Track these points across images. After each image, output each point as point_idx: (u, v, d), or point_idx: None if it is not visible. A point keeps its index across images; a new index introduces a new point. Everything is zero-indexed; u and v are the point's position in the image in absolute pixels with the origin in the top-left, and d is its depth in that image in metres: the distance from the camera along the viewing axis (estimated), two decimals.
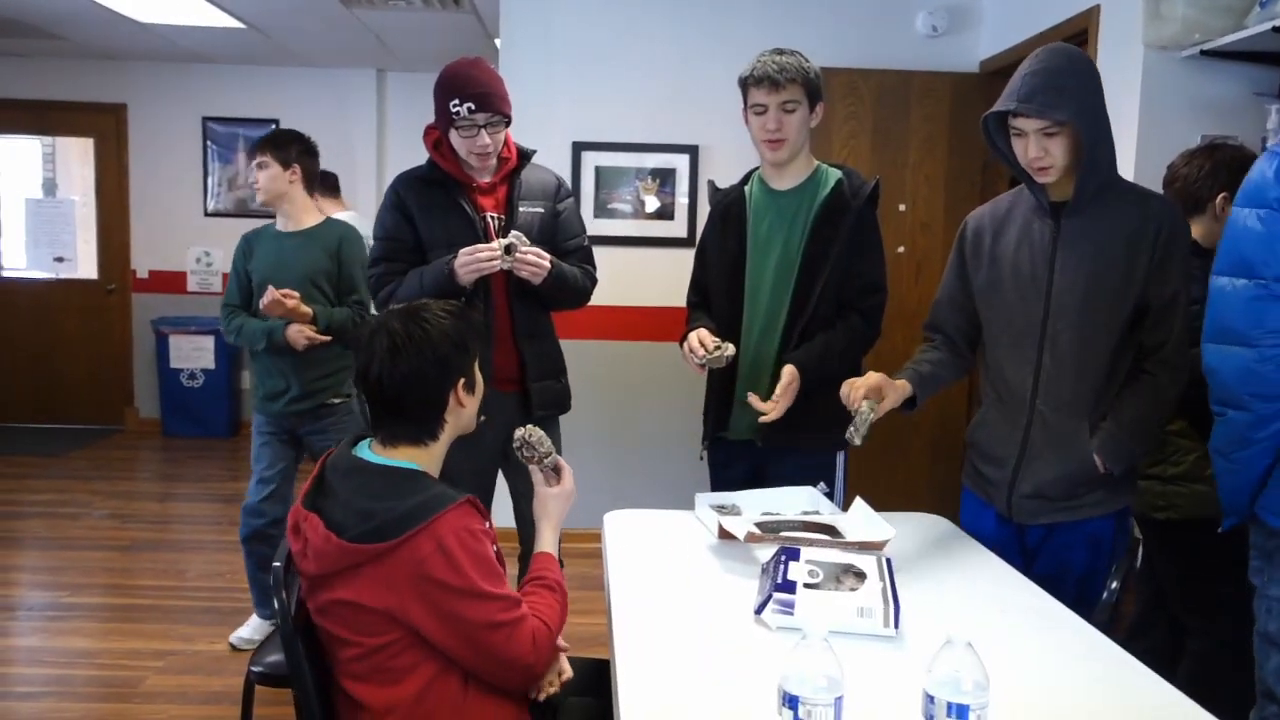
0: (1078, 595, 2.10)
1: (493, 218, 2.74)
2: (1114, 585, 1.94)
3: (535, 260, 2.61)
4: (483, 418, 1.89)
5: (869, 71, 4.48)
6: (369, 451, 1.74)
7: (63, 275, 7.28)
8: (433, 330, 1.72)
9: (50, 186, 7.46)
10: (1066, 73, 2.10)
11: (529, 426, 1.97)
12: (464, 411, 1.79)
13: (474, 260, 2.56)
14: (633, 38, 4.59)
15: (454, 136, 2.66)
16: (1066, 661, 1.68)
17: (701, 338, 2.55)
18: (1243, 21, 2.90)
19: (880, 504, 2.26)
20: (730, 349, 2.54)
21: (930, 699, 1.19)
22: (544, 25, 4.56)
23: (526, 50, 4.55)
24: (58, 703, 3.18)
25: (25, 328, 7.28)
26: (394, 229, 2.76)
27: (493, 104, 2.64)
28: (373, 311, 3.33)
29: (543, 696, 1.76)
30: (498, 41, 4.68)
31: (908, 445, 4.65)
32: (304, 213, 3.51)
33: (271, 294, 3.24)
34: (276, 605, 1.65)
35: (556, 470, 1.98)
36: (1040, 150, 2.12)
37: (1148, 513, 2.57)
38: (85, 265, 7.29)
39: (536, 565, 1.88)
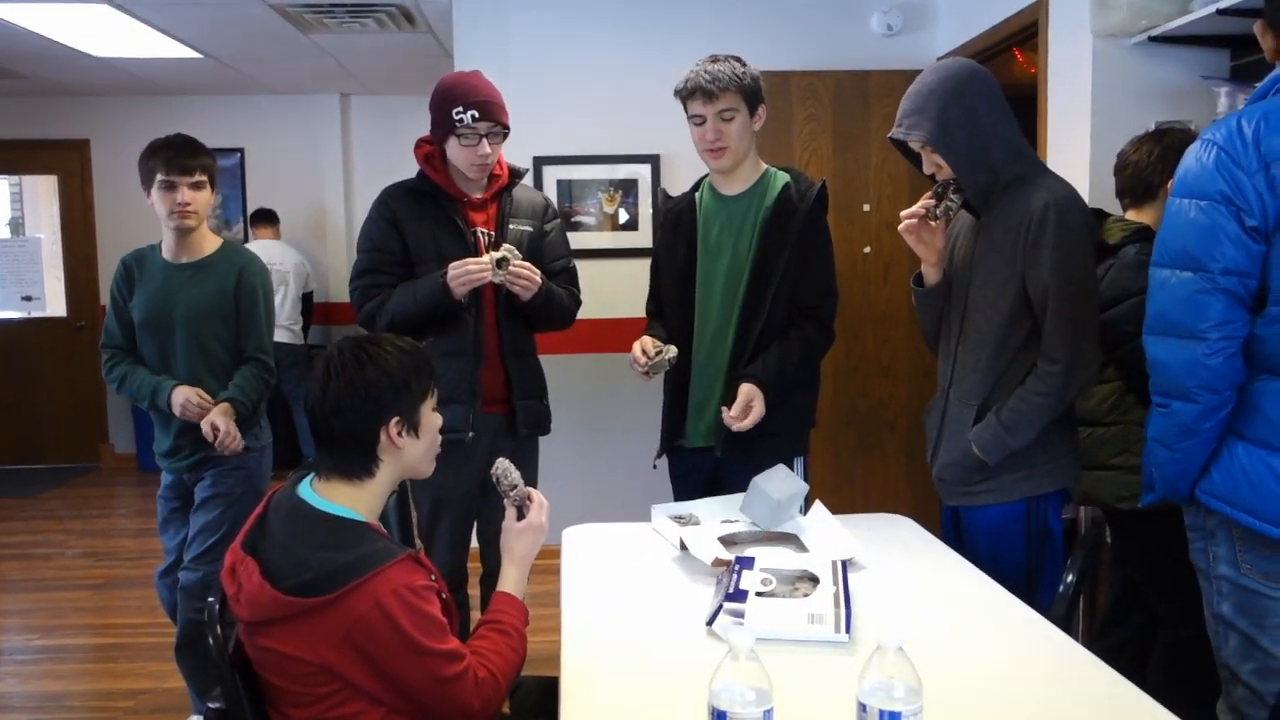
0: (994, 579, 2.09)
1: (483, 233, 2.74)
2: (1070, 579, 1.91)
3: (528, 275, 2.60)
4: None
5: (826, 73, 4.47)
6: (310, 491, 1.67)
7: (32, 314, 7.22)
8: (371, 364, 1.64)
9: (17, 225, 7.41)
10: (926, 94, 2.22)
11: (500, 459, 1.93)
12: (403, 453, 1.69)
13: (465, 273, 2.56)
14: (588, 51, 4.58)
15: (453, 146, 2.66)
16: (1022, 659, 1.65)
17: (643, 345, 2.54)
18: (1188, 6, 2.89)
19: (855, 504, 2.25)
20: (672, 351, 2.52)
21: (863, 707, 1.15)
22: (499, 41, 4.54)
23: (482, 67, 4.51)
24: None
25: None
26: (382, 240, 2.71)
27: (494, 113, 2.66)
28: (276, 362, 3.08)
29: None
30: (454, 59, 4.65)
31: (884, 444, 4.63)
32: (205, 239, 2.94)
33: (188, 401, 2.80)
34: (211, 641, 1.60)
35: (525, 504, 1.91)
36: (932, 165, 2.29)
37: (1112, 504, 2.54)
38: (54, 303, 7.23)
39: (494, 607, 1.81)
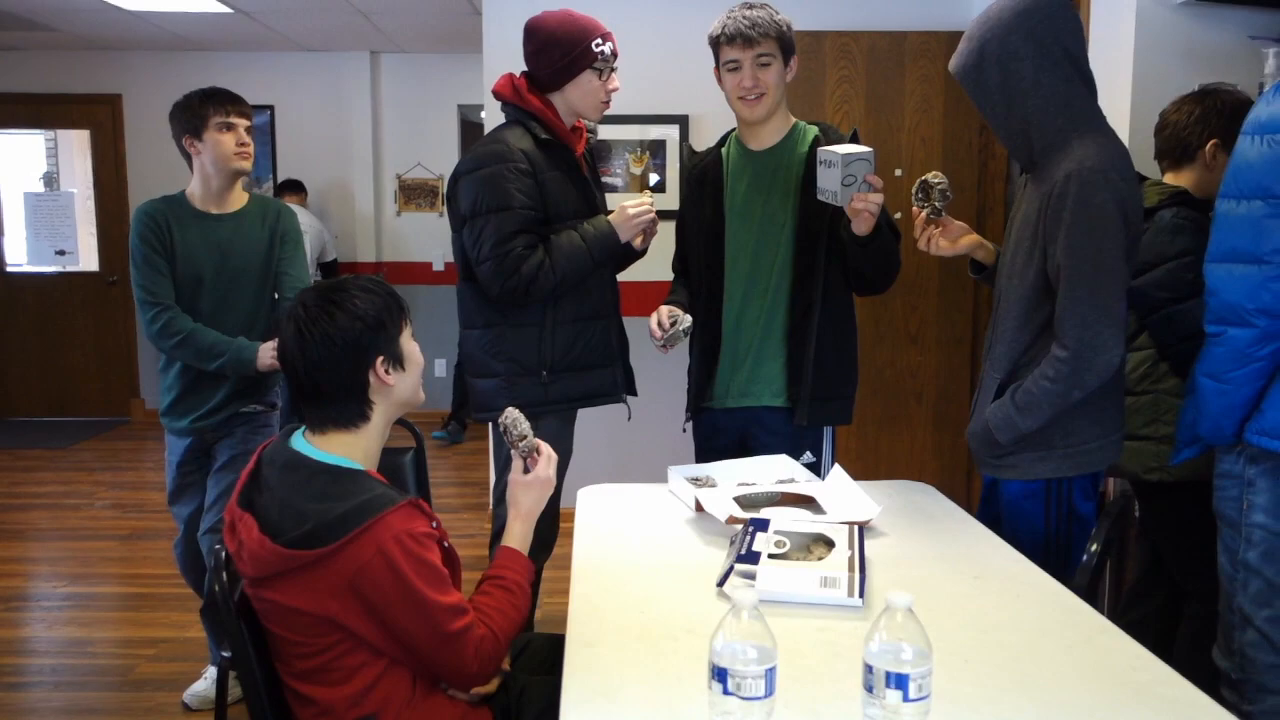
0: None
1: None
2: (1094, 549, 1.86)
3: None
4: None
5: (861, 33, 4.37)
6: (304, 442, 1.65)
7: (65, 268, 7.28)
8: (341, 312, 1.60)
9: (50, 180, 7.45)
10: (981, 21, 2.07)
11: (510, 409, 1.89)
12: (394, 390, 1.66)
13: (637, 217, 2.59)
14: (617, 8, 4.49)
15: (582, 84, 2.57)
16: (1042, 628, 1.60)
17: (659, 317, 2.50)
18: None
19: (880, 474, 2.21)
20: (686, 321, 2.49)
21: (869, 669, 1.12)
22: None
23: (510, 24, 4.46)
24: (48, 692, 3.16)
25: (30, 322, 7.29)
26: (531, 197, 2.53)
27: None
28: None
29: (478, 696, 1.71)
30: (483, 16, 4.60)
31: (911, 415, 4.56)
32: (239, 191, 2.91)
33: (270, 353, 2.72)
34: (216, 589, 1.60)
35: (534, 456, 1.88)
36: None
37: (1140, 474, 2.48)
38: (87, 257, 7.29)
39: (497, 562, 1.78)
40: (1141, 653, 1.50)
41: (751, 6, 2.47)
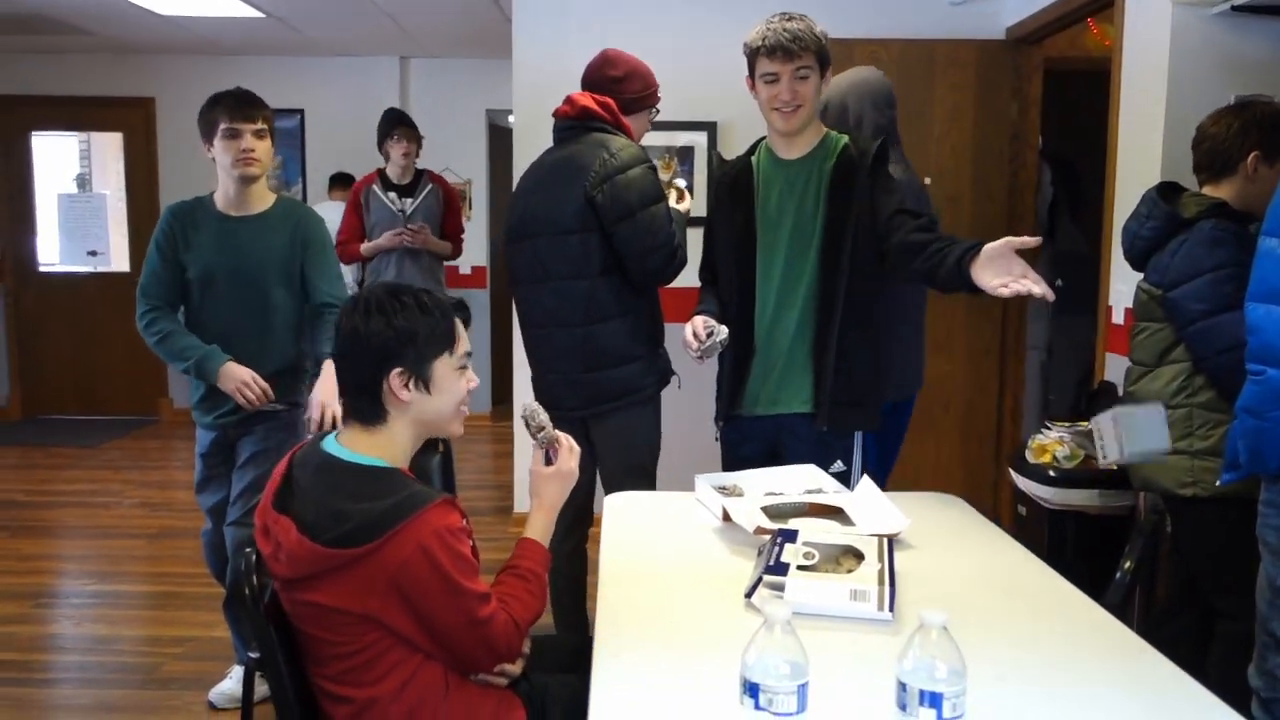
0: None
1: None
2: (1128, 565, 1.84)
3: None
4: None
5: (891, 42, 4.35)
6: (336, 445, 1.68)
7: (97, 269, 7.36)
8: (379, 315, 1.64)
9: (84, 181, 7.54)
10: None
11: (530, 400, 1.95)
12: (410, 407, 1.66)
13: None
14: (646, 15, 4.51)
15: (642, 118, 2.93)
16: (1073, 645, 1.59)
17: (694, 328, 2.50)
18: None
19: (906, 484, 2.19)
20: (723, 333, 2.49)
21: (903, 687, 1.11)
22: (559, 5, 4.49)
23: (540, 30, 4.48)
24: (75, 689, 3.19)
25: (62, 321, 7.38)
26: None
27: None
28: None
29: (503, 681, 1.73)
30: (513, 22, 4.61)
31: (938, 423, 4.53)
32: (264, 193, 2.92)
33: (245, 385, 2.78)
34: (246, 593, 1.61)
35: (554, 447, 1.91)
36: None
37: (1173, 490, 2.45)
38: (118, 258, 7.37)
39: (518, 552, 1.82)
40: (1174, 671, 1.48)
41: (791, 18, 2.47)
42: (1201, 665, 2.48)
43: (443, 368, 1.69)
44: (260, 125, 2.80)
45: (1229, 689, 2.01)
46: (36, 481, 5.72)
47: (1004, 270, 2.07)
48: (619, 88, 2.84)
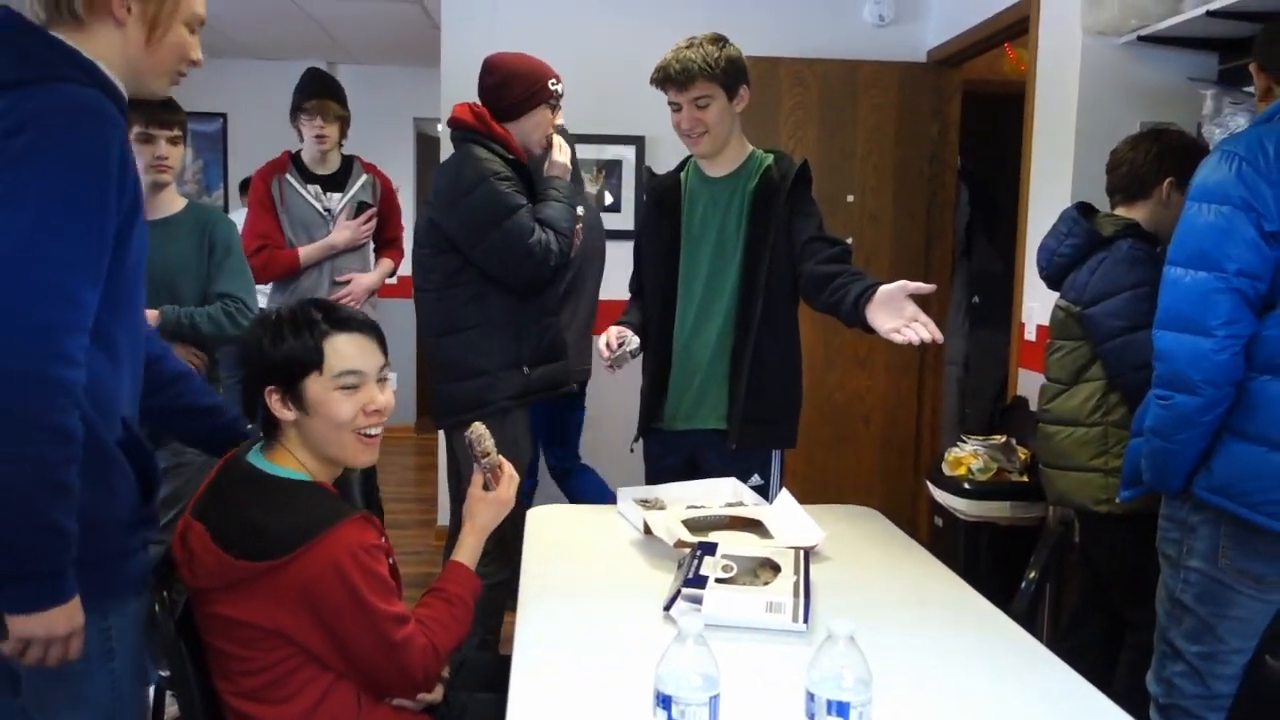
0: None
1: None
2: (1033, 575, 1.90)
3: None
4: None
5: (815, 61, 4.43)
6: (259, 456, 1.65)
7: None
8: (259, 326, 1.66)
9: None
10: None
11: (477, 424, 1.92)
12: (298, 424, 1.62)
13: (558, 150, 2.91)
14: (576, 27, 4.53)
15: (536, 117, 2.76)
16: (980, 655, 1.63)
17: (608, 338, 2.54)
18: (1178, 6, 2.88)
19: (828, 497, 2.23)
20: (634, 343, 2.54)
21: (811, 696, 1.13)
22: (487, 15, 4.49)
23: (469, 40, 4.47)
24: None
25: None
26: (522, 194, 2.73)
27: None
28: (259, 305, 2.94)
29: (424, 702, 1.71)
30: (441, 30, 4.60)
31: (858, 437, 4.61)
32: (174, 197, 2.81)
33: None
34: (156, 607, 1.57)
35: (496, 473, 1.90)
36: None
37: (1088, 505, 2.53)
38: None
39: (445, 575, 1.80)
40: (1078, 680, 1.53)
41: (691, 45, 2.46)
42: (1109, 673, 2.56)
43: (320, 388, 1.61)
44: (175, 132, 2.74)
45: (1136, 695, 2.10)
46: None
47: (897, 313, 2.13)
48: (497, 95, 2.76)
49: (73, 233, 1.34)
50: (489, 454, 1.88)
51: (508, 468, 1.92)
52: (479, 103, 2.78)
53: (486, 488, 1.89)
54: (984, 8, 3.91)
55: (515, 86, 2.74)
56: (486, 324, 2.75)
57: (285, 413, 1.62)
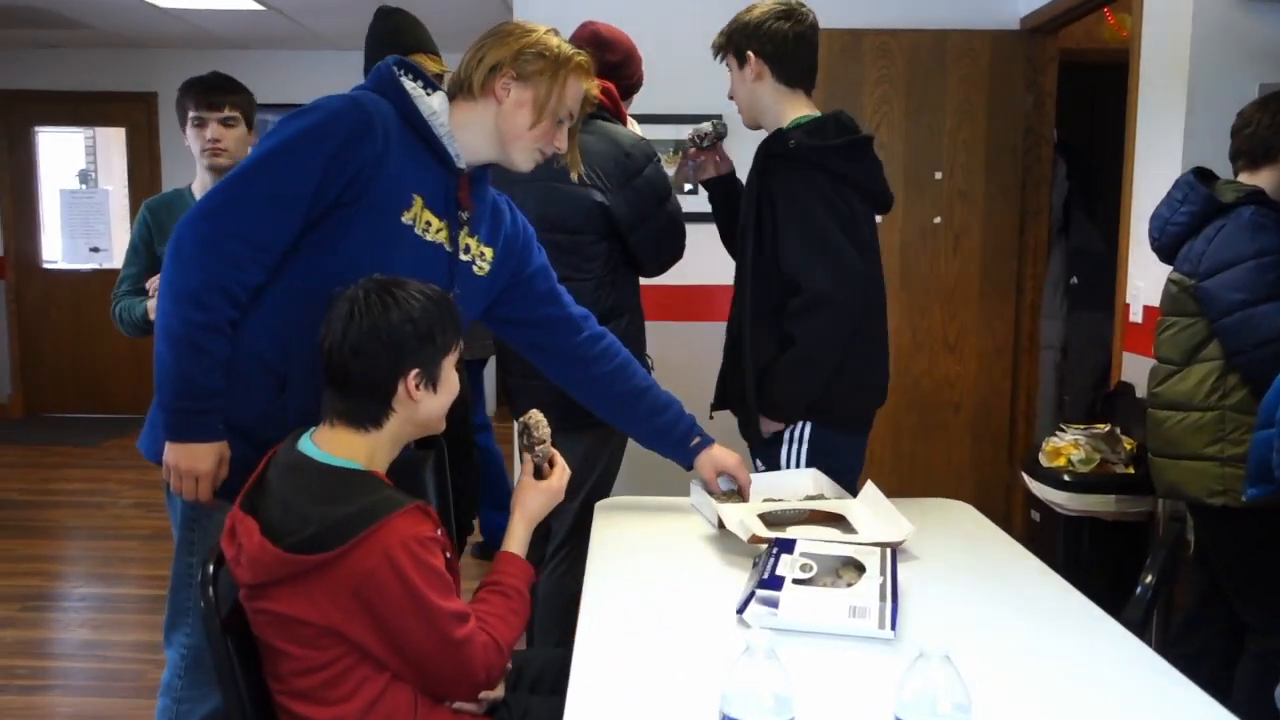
0: None
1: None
2: (1148, 580, 1.72)
3: None
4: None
5: (901, 31, 4.22)
6: (310, 444, 1.57)
7: (102, 265, 7.29)
8: (397, 308, 1.54)
9: (86, 177, 7.48)
10: None
11: (534, 410, 1.84)
12: (419, 407, 1.58)
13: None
14: (651, 3, 4.39)
15: (630, 103, 2.73)
16: (1088, 667, 1.47)
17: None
18: None
19: (915, 488, 2.08)
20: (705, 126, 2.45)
21: None
22: None
23: (542, 20, 4.38)
24: (59, 696, 3.11)
25: (65, 318, 7.31)
26: None
27: None
28: None
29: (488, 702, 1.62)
30: (513, 14, 4.51)
31: (948, 425, 4.40)
32: None
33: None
34: (203, 604, 1.50)
35: (548, 463, 1.83)
36: None
37: (1202, 498, 2.33)
38: (121, 255, 7.26)
39: (497, 567, 1.71)
40: (1198, 695, 1.37)
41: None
42: (1227, 683, 2.36)
43: (448, 365, 1.62)
44: (228, 113, 2.70)
45: (1257, 709, 1.89)
46: (34, 480, 5.65)
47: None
48: (619, 73, 2.65)
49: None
50: (544, 441, 1.81)
51: (559, 460, 1.84)
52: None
53: (539, 476, 1.81)
54: None
55: (632, 66, 2.72)
56: (637, 310, 2.70)
57: (416, 394, 1.56)
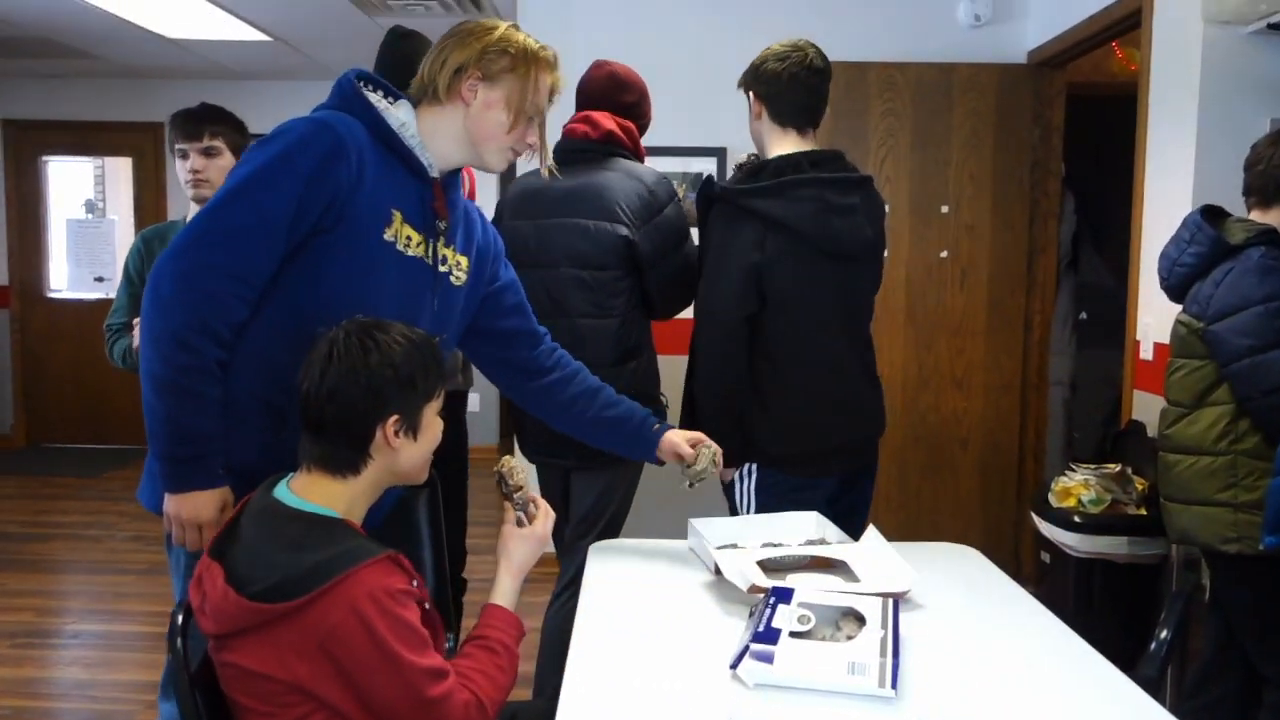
0: None
1: None
2: (1164, 635, 1.65)
3: None
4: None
5: (907, 65, 4.20)
6: (284, 490, 1.51)
7: (107, 295, 7.28)
8: (377, 352, 1.48)
9: (93, 207, 7.48)
10: None
11: (508, 456, 1.79)
12: (398, 455, 1.52)
13: None
14: (654, 37, 4.37)
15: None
16: None
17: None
18: None
19: (922, 526, 2.01)
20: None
21: None
22: (563, 28, 4.36)
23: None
24: None
25: (69, 348, 7.29)
26: None
27: None
28: None
29: None
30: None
31: (955, 462, 4.32)
32: None
33: None
34: (171, 656, 1.44)
35: (527, 509, 1.76)
36: None
37: (1215, 545, 2.25)
38: None
39: (484, 621, 1.63)
40: None
41: None
42: None
43: (429, 412, 1.56)
44: (208, 143, 2.64)
45: None
46: (31, 512, 5.59)
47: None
48: (635, 112, 2.69)
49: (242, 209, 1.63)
50: (521, 488, 1.76)
51: (543, 504, 1.78)
52: (611, 114, 2.63)
53: (520, 524, 1.74)
54: (1090, 3, 3.63)
55: (646, 105, 2.73)
56: (652, 348, 2.70)
57: (394, 441, 1.50)
